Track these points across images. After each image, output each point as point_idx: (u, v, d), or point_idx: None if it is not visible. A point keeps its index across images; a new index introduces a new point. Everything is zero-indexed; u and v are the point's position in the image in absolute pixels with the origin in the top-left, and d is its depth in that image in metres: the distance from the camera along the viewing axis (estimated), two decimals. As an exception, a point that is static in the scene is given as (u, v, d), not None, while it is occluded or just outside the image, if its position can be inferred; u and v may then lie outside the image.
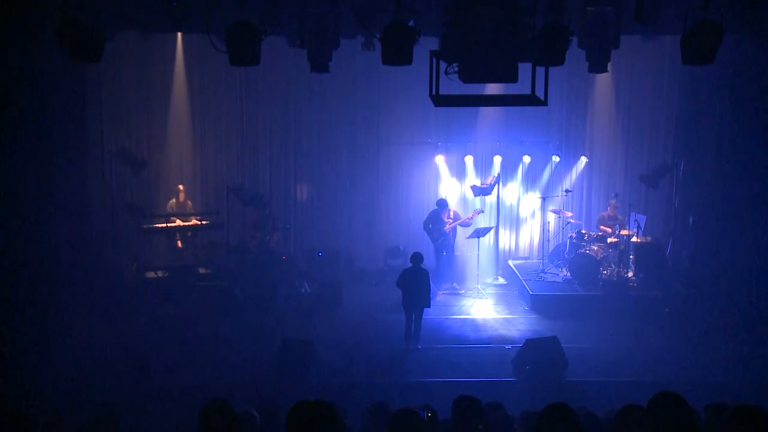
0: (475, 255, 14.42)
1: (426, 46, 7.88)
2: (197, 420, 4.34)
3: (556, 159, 15.56)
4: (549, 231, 15.03)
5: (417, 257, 11.74)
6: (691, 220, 14.12)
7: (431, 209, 14.72)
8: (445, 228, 14.34)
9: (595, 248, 13.89)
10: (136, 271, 13.94)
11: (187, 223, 14.36)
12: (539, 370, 10.39)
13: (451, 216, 14.49)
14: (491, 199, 15.28)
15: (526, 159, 15.64)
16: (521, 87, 7.55)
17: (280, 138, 15.59)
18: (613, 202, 14.61)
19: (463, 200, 15.64)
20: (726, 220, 12.70)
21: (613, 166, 15.73)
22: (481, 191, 14.89)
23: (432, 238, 14.46)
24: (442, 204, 14.52)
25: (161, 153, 15.18)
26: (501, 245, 15.89)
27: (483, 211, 14.94)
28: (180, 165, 15.39)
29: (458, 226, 14.57)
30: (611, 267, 13.87)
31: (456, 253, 14.75)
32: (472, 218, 14.65)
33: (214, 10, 8.10)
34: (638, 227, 13.89)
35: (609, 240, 13.98)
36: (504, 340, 12.01)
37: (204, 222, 14.39)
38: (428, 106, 8.12)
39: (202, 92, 15.24)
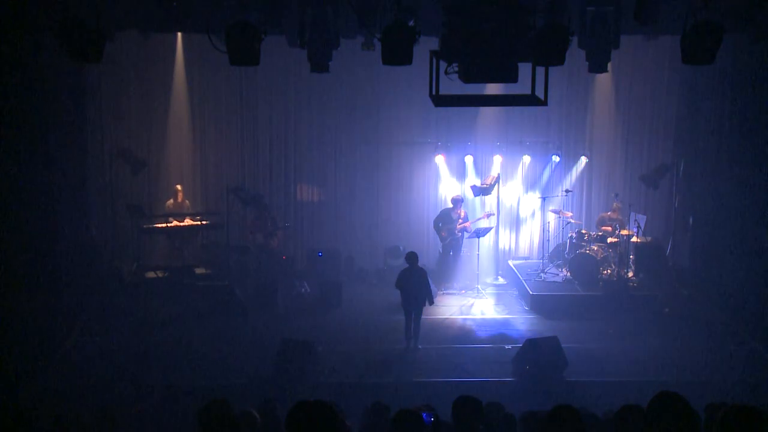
0: (475, 255, 14.42)
1: (426, 46, 7.87)
2: (197, 420, 4.35)
3: (556, 159, 15.55)
4: (549, 231, 15.02)
5: (412, 257, 11.74)
6: (691, 220, 14.13)
7: (442, 207, 14.73)
8: (456, 228, 14.31)
9: (595, 248, 13.88)
10: (136, 271, 13.94)
11: (185, 223, 14.36)
12: (539, 370, 10.39)
13: (462, 216, 14.45)
14: (491, 199, 15.28)
15: (526, 159, 15.62)
16: (521, 87, 7.55)
17: (280, 138, 15.58)
18: (616, 204, 14.59)
19: (464, 200, 15.62)
20: (726, 220, 12.71)
21: (613, 166, 15.71)
22: (481, 191, 14.86)
23: (441, 237, 14.44)
24: (456, 202, 14.43)
25: (161, 153, 15.18)
26: (501, 245, 15.88)
27: (494, 213, 14.92)
28: (180, 165, 15.38)
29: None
30: (611, 267, 13.86)
31: (461, 253, 14.70)
32: (483, 219, 14.63)
33: (214, 10, 8.10)
34: (638, 227, 13.88)
35: (609, 240, 13.98)
36: (504, 340, 12.00)
37: (204, 222, 14.39)
38: (428, 106, 8.12)
39: (202, 92, 15.23)
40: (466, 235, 14.46)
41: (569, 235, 14.56)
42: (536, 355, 10.52)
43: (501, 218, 15.66)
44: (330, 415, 3.70)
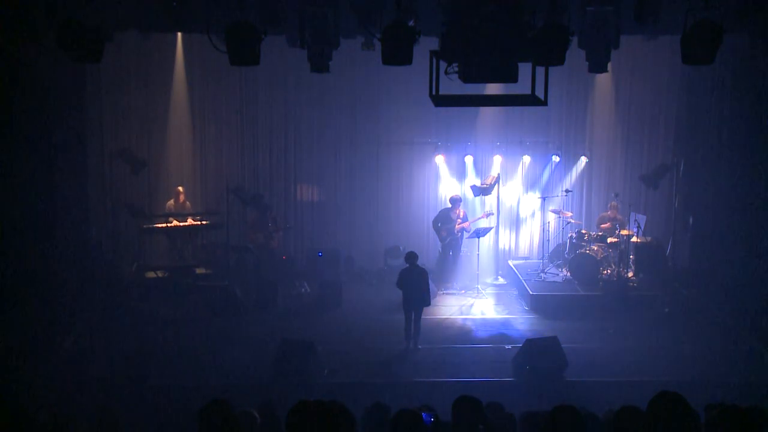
0: (475, 255, 14.41)
1: (426, 46, 7.87)
2: (197, 420, 4.34)
3: (556, 159, 15.55)
4: (549, 231, 15.02)
5: (411, 257, 11.75)
6: (691, 220, 14.13)
7: (442, 207, 14.73)
8: (455, 228, 14.31)
9: (595, 248, 13.88)
10: (136, 271, 13.93)
11: (186, 224, 14.35)
12: (539, 370, 10.39)
13: (461, 216, 14.45)
14: (491, 199, 15.27)
15: (526, 159, 15.63)
16: (521, 87, 7.55)
17: (280, 138, 15.59)
18: (613, 203, 14.59)
19: (463, 200, 15.62)
20: (725, 220, 12.71)
21: (613, 166, 15.72)
22: (481, 191, 14.87)
23: (440, 237, 14.44)
24: (455, 201, 14.44)
25: (161, 153, 15.18)
26: (501, 245, 15.89)
27: (493, 213, 14.92)
28: (180, 165, 15.38)
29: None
30: (611, 267, 13.86)
31: (461, 253, 14.68)
32: (482, 219, 14.62)
33: (214, 10, 8.10)
34: (638, 227, 13.88)
35: (609, 240, 13.98)
36: (504, 340, 12.00)
37: (204, 222, 14.39)
38: (428, 106, 8.12)
39: (202, 92, 15.24)
40: (465, 235, 14.46)
41: (569, 235, 14.57)
42: (536, 355, 10.53)
43: (501, 218, 15.67)
44: (330, 415, 3.70)
